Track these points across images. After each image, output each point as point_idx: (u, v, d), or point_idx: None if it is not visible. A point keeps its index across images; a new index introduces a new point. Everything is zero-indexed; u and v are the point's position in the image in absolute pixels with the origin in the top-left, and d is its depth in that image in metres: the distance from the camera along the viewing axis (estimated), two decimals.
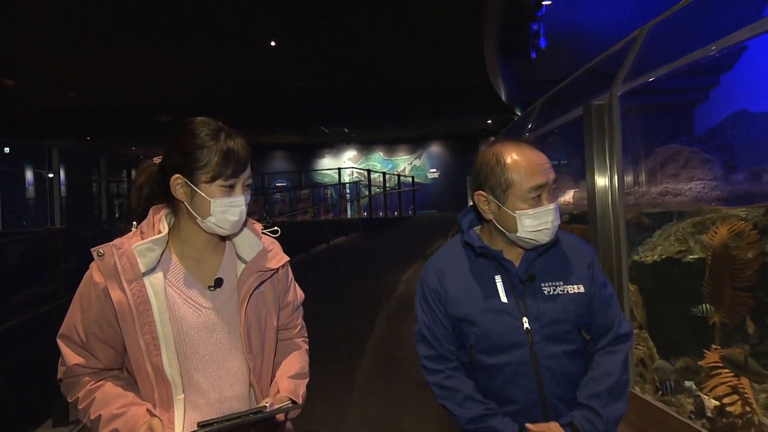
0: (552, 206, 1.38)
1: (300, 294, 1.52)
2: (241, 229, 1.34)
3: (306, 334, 1.56)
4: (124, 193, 20.41)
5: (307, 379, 1.44)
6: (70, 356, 1.24)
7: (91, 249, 1.25)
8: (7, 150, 16.87)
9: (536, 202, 1.38)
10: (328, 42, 10.88)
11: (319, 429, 3.52)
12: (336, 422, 4.03)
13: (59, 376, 1.27)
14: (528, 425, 1.37)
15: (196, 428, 1.12)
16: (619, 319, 1.48)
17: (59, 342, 1.26)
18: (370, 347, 5.84)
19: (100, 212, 18.49)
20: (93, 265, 1.24)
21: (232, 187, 1.25)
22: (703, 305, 3.12)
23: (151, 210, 1.32)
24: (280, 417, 1.31)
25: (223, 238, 1.36)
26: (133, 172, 21.50)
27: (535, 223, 1.37)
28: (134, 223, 1.34)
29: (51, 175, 17.17)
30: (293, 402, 1.30)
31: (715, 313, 3.08)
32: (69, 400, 1.26)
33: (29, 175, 17.76)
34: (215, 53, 11.29)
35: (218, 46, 10.90)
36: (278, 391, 1.34)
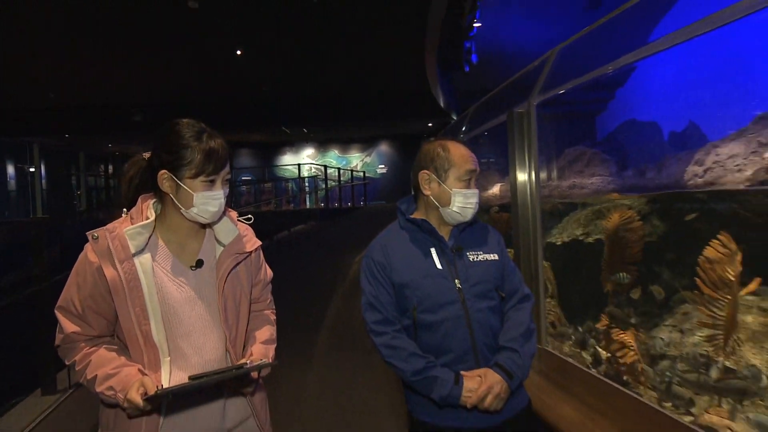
0: (476, 191, 1.53)
1: (269, 272, 1.54)
2: (220, 218, 1.35)
3: (274, 307, 1.57)
4: (102, 185, 19.61)
5: (275, 345, 1.46)
6: (68, 325, 1.22)
7: (87, 232, 1.23)
8: None
9: (467, 185, 1.52)
10: (289, 52, 10.74)
11: (286, 387, 3.52)
12: (299, 381, 4.04)
13: (57, 342, 1.25)
14: (463, 372, 1.44)
15: (187, 381, 1.13)
16: (522, 284, 1.61)
17: (57, 313, 1.24)
18: (328, 319, 5.85)
19: (80, 203, 17.59)
20: (87, 246, 1.23)
21: (212, 182, 1.26)
22: (620, 273, 3.14)
23: (140, 199, 1.31)
24: (254, 375, 1.33)
25: (204, 225, 1.35)
26: (110, 167, 20.65)
27: (465, 201, 1.50)
28: (124, 210, 1.32)
29: (32, 170, 16.18)
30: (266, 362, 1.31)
31: (627, 278, 3.09)
32: (66, 363, 1.25)
33: (11, 169, 16.69)
34: (187, 59, 10.94)
35: (190, 53, 10.55)
36: (251, 354, 1.35)
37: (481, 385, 1.39)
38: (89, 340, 1.26)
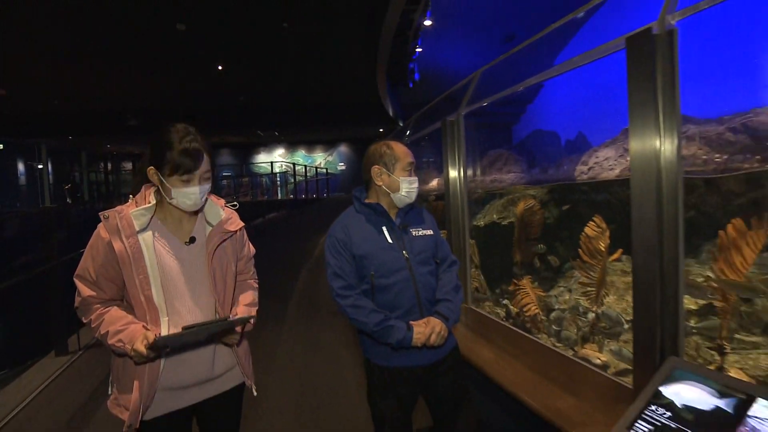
0: (416, 178, 1.61)
1: (252, 249, 1.54)
2: (203, 205, 1.35)
3: (256, 277, 1.57)
4: (102, 180, 19.13)
5: (257, 307, 1.48)
6: (84, 290, 1.23)
7: (99, 213, 1.24)
8: (0, 146, 14.75)
9: (409, 174, 1.59)
10: (263, 68, 10.58)
11: (263, 343, 3.51)
12: (275, 338, 4.03)
13: (76, 304, 1.26)
14: (412, 322, 1.51)
15: (181, 330, 1.15)
16: (450, 253, 1.70)
17: (75, 280, 1.25)
18: (298, 289, 5.83)
19: (83, 195, 16.85)
20: (100, 225, 1.23)
21: (188, 180, 1.24)
22: (539, 245, 3.23)
23: (143, 187, 1.31)
24: (238, 329, 1.35)
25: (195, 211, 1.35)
26: (109, 165, 19.91)
27: (409, 187, 1.57)
28: (131, 196, 1.32)
29: (41, 167, 15.16)
30: (246, 317, 1.34)
31: (543, 249, 3.20)
32: (84, 321, 1.25)
33: (21, 166, 15.77)
34: (176, 72, 10.57)
35: (178, 67, 10.22)
36: (236, 314, 1.37)
37: (426, 327, 1.49)
38: (102, 302, 1.25)
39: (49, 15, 7.29)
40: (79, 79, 10.70)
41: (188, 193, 1.24)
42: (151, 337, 1.16)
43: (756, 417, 1.16)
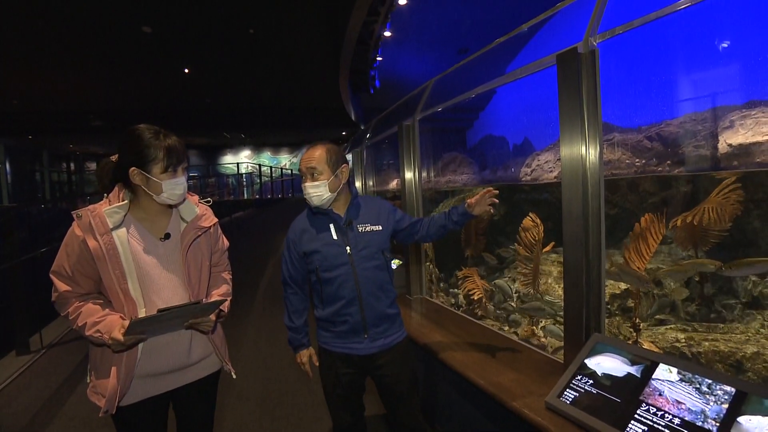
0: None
1: (226, 242, 1.54)
2: (183, 200, 1.34)
3: (230, 269, 1.57)
4: (65, 180, 17.94)
5: (230, 297, 1.48)
6: (61, 286, 1.20)
7: (72, 212, 1.21)
8: None
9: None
10: (229, 71, 10.21)
11: (229, 334, 3.45)
12: (242, 329, 3.96)
13: (53, 299, 1.23)
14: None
15: (156, 312, 1.13)
16: (411, 218, 1.73)
17: (52, 276, 1.22)
18: (264, 283, 5.74)
19: (44, 194, 15.64)
20: (74, 223, 1.21)
21: (175, 171, 1.26)
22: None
23: (116, 186, 1.28)
24: (213, 317, 1.33)
25: (171, 206, 1.33)
26: (72, 165, 18.66)
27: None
28: (105, 195, 1.29)
29: None
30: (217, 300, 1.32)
31: (494, 261, 3.28)
32: (61, 314, 1.23)
33: None
34: (142, 74, 9.97)
35: (144, 69, 9.64)
36: (202, 300, 1.35)
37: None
38: (79, 296, 1.23)
39: (9, 13, 6.70)
40: (40, 78, 9.90)
41: (177, 183, 1.25)
42: (128, 324, 1.14)
43: (658, 379, 1.30)
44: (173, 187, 1.26)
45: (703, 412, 1.14)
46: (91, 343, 1.24)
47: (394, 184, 6.89)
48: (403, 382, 1.64)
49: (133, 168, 1.22)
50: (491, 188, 1.63)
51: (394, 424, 1.69)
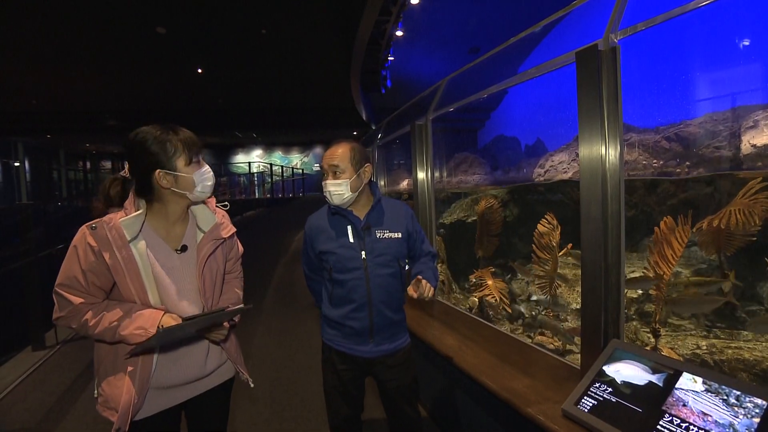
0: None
1: (241, 249, 1.50)
2: (210, 195, 1.30)
3: (242, 276, 1.53)
4: (81, 178, 18.21)
5: (242, 304, 1.44)
6: (75, 299, 1.12)
7: (85, 225, 1.13)
8: None
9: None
10: (242, 71, 10.29)
11: (239, 335, 3.46)
12: (252, 330, 3.97)
13: (61, 314, 1.13)
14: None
15: (181, 321, 1.11)
16: (430, 247, 1.68)
17: (60, 290, 1.12)
18: (274, 283, 5.75)
19: (61, 192, 15.99)
20: (86, 232, 1.13)
21: (199, 162, 1.22)
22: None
23: (131, 195, 1.21)
24: (226, 324, 1.31)
25: (188, 211, 1.29)
26: (88, 163, 19.11)
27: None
28: (107, 211, 1.23)
29: (17, 164, 14.26)
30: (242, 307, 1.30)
31: (480, 249, 3.25)
32: (73, 326, 1.13)
33: None
34: (156, 74, 10.12)
35: (158, 69, 9.78)
36: (228, 307, 1.33)
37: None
38: (92, 305, 1.15)
39: (29, 15, 6.86)
40: (58, 79, 10.12)
41: (207, 172, 1.22)
42: (171, 319, 1.11)
43: (681, 389, 1.25)
44: (204, 178, 1.21)
45: (731, 425, 1.09)
46: (124, 343, 1.14)
47: (404, 184, 6.86)
48: (404, 386, 1.61)
49: (158, 170, 1.15)
50: (433, 290, 1.49)
51: (394, 426, 1.66)
